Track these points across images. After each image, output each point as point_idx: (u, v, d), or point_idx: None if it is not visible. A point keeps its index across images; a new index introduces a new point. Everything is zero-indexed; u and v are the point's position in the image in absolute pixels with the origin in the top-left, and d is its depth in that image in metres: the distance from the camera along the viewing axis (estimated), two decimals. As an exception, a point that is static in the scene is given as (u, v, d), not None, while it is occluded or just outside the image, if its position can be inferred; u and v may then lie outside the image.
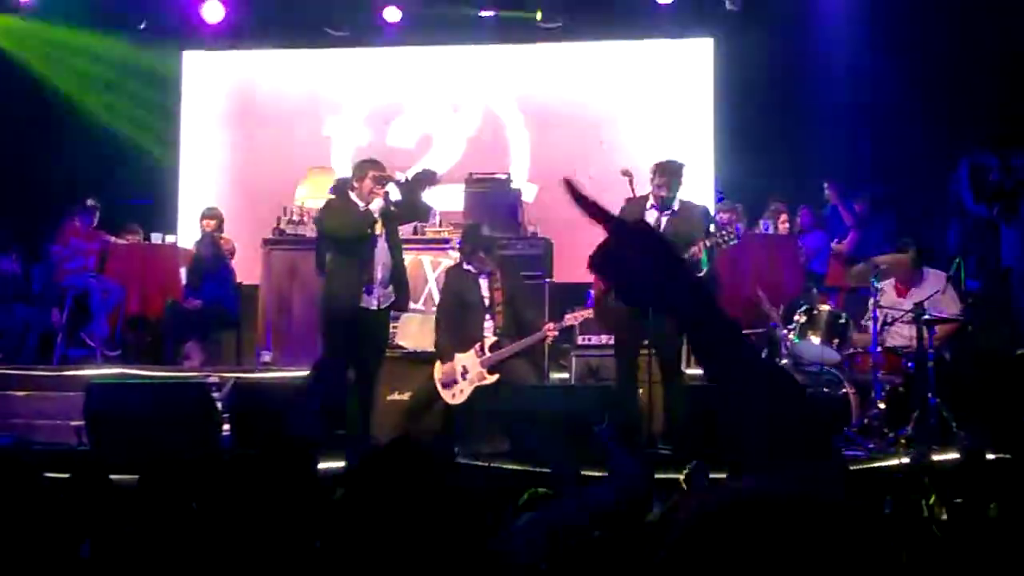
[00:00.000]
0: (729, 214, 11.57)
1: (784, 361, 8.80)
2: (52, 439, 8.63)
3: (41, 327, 11.39)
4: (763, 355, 9.44)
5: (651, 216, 8.30)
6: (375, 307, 8.38)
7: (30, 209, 12.36)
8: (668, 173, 8.36)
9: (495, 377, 8.49)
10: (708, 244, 8.22)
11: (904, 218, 11.57)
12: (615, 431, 6.05)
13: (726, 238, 8.35)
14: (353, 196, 8.48)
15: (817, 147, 12.21)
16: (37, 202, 12.36)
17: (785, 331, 8.94)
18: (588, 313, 8.79)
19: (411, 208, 8.78)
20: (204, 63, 14.24)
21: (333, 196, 9.24)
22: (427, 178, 11.28)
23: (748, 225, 11.75)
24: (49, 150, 13.06)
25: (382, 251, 8.41)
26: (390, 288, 8.46)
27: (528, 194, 12.17)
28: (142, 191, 13.34)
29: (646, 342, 8.32)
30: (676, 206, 8.38)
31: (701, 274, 8.70)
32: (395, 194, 8.55)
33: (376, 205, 8.33)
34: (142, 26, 13.18)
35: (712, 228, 8.72)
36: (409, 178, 8.58)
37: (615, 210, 8.23)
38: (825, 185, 11.75)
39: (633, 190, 8.51)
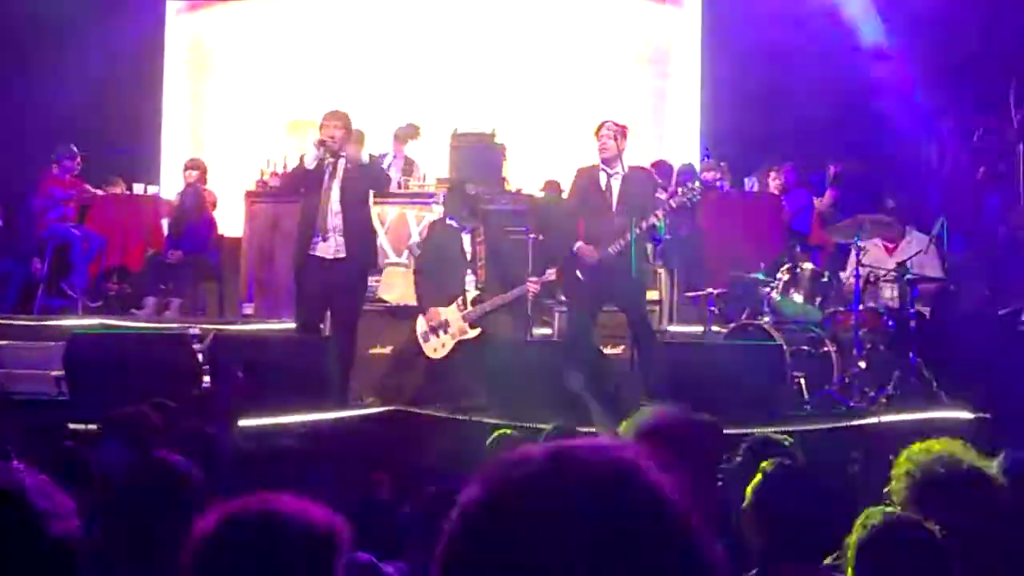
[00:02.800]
0: (713, 172, 11.57)
1: (766, 319, 8.81)
2: (32, 389, 8.58)
3: (22, 277, 11.33)
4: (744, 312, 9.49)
5: (602, 179, 8.30)
6: (330, 256, 8.33)
7: (10, 159, 12.25)
8: (613, 133, 8.32)
9: (477, 331, 8.49)
10: (673, 204, 8.24)
11: (885, 179, 11.58)
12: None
13: (691, 195, 8.34)
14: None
15: (804, 106, 12.16)
16: (17, 152, 12.23)
17: (768, 289, 8.95)
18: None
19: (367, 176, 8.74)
20: (189, 14, 14.13)
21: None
22: (409, 132, 11.28)
23: (733, 183, 11.76)
24: (30, 100, 12.94)
25: (334, 201, 8.37)
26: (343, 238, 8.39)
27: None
28: (123, 142, 13.23)
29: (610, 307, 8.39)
30: (625, 169, 8.34)
31: (660, 239, 8.75)
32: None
33: (309, 156, 8.34)
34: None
35: (677, 188, 8.71)
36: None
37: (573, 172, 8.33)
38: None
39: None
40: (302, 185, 8.56)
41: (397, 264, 10.07)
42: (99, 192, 11.75)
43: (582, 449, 1.43)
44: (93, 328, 9.82)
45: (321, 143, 8.31)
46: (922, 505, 3.19)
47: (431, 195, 10.49)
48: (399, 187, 10.74)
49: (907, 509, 3.19)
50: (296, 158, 9.03)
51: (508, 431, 4.86)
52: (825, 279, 8.95)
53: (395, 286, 9.72)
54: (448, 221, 8.89)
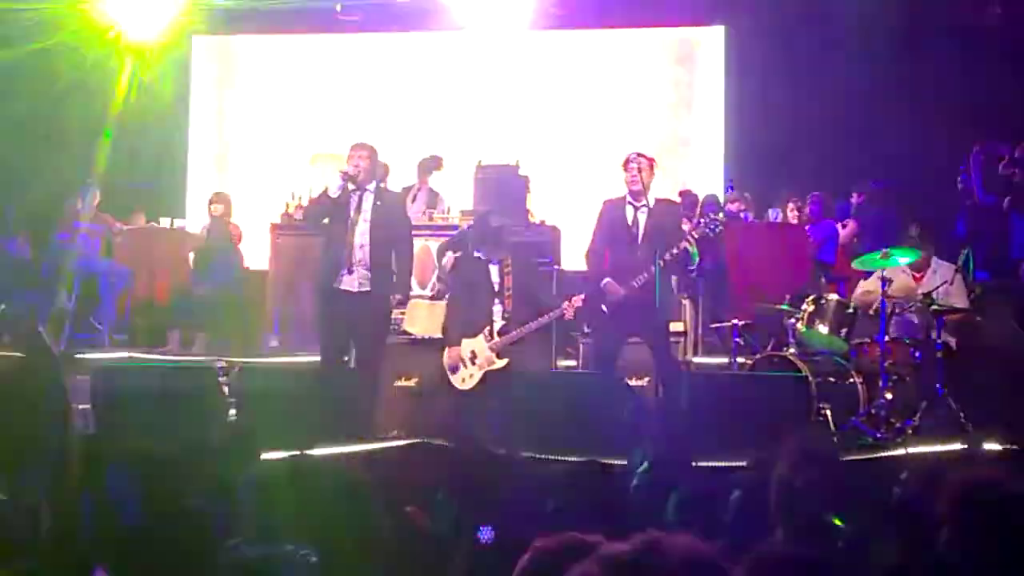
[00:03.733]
0: (738, 203, 11.58)
1: (791, 350, 8.78)
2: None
3: (49, 311, 11.38)
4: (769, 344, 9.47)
5: (628, 213, 8.30)
6: (355, 289, 8.35)
7: (37, 193, 12.34)
8: (639, 166, 8.32)
9: (504, 361, 8.49)
10: (696, 235, 8.22)
11: (911, 209, 11.56)
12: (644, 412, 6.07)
13: (713, 225, 8.34)
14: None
15: (829, 137, 12.18)
16: (44, 186, 12.32)
17: (793, 320, 8.92)
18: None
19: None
20: (213, 48, 14.25)
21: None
22: (433, 164, 11.33)
23: (757, 214, 11.75)
24: (57, 134, 13.07)
25: (361, 234, 8.38)
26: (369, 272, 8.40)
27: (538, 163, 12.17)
28: (149, 176, 13.32)
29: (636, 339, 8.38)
30: (651, 202, 8.34)
31: (693, 267, 8.73)
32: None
33: (333, 186, 8.34)
34: (151, 9, 13.10)
35: (700, 219, 8.69)
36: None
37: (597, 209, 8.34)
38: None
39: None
40: (326, 215, 8.54)
41: (421, 297, 10.09)
42: (124, 226, 11.82)
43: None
44: (120, 362, 9.87)
45: (345, 173, 8.32)
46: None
47: (455, 227, 10.52)
48: (428, 219, 10.80)
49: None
50: (321, 190, 9.05)
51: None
52: (851, 310, 8.92)
53: (419, 319, 9.73)
54: (475, 253, 8.90)
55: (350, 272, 8.30)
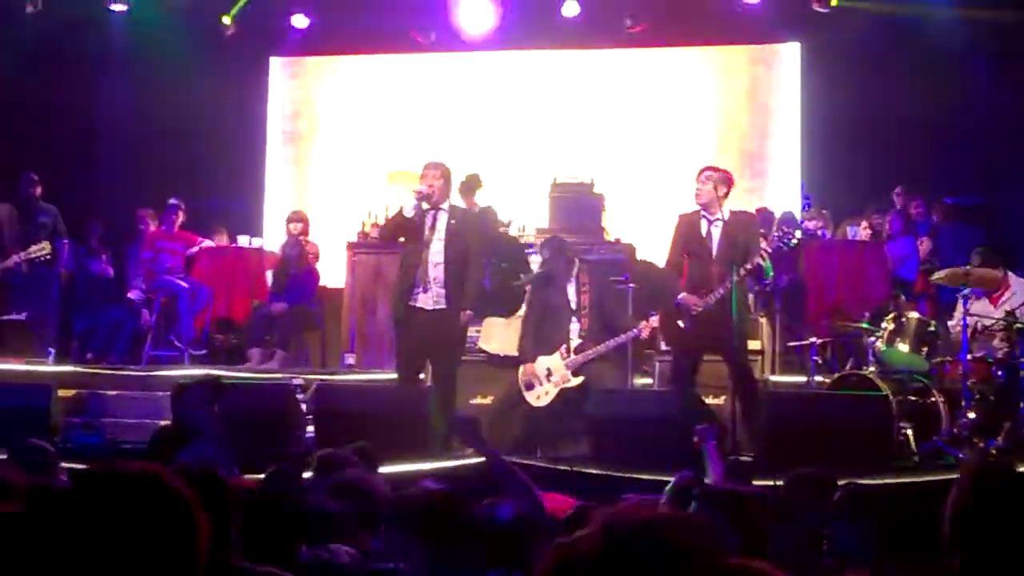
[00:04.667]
0: (815, 221, 11.48)
1: (871, 369, 8.67)
2: (140, 438, 8.72)
3: (130, 328, 11.56)
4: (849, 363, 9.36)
5: (703, 226, 8.24)
6: (430, 307, 8.38)
7: (121, 213, 12.55)
8: (709, 179, 8.27)
9: (580, 379, 8.48)
10: (769, 250, 8.14)
11: (989, 225, 11.41)
12: (715, 434, 6.03)
13: (787, 239, 8.26)
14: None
15: (906, 153, 12.05)
16: (128, 205, 12.52)
17: (873, 338, 8.81)
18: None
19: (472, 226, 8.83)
20: (290, 68, 14.42)
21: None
22: (474, 183, 11.36)
23: (835, 231, 11.64)
24: (139, 154, 13.29)
25: (436, 252, 8.43)
26: (444, 289, 8.45)
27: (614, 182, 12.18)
28: (230, 194, 13.50)
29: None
30: (726, 215, 8.28)
31: (767, 281, 8.64)
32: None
33: (407, 205, 8.39)
34: (229, 32, 13.29)
35: (775, 231, 8.59)
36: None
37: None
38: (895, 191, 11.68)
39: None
40: (401, 234, 8.63)
41: (497, 315, 10.09)
42: (206, 243, 11.97)
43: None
44: (199, 378, 9.96)
45: (420, 193, 8.38)
46: None
47: (530, 245, 10.52)
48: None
49: None
50: (396, 209, 9.12)
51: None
52: (932, 328, 8.78)
53: (495, 336, 9.74)
54: (552, 272, 8.91)
55: (425, 290, 8.35)
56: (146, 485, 2.10)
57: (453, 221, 8.48)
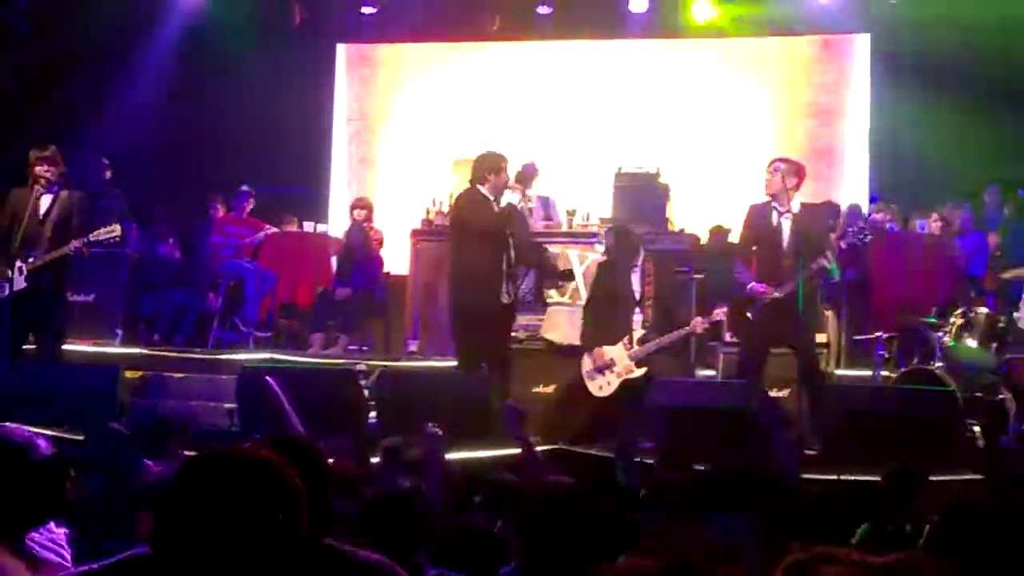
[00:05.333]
0: (882, 213, 11.36)
1: (938, 364, 8.56)
2: (207, 420, 8.81)
3: (197, 311, 11.67)
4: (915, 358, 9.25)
5: (773, 216, 8.17)
6: (507, 301, 8.41)
7: (188, 197, 12.68)
8: (777, 171, 8.19)
9: (643, 370, 8.45)
10: (844, 245, 8.05)
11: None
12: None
13: (860, 235, 8.17)
14: (484, 189, 8.52)
15: (972, 147, 11.86)
16: (195, 190, 12.64)
17: (940, 333, 8.70)
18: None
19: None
20: (358, 55, 14.48)
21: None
22: (531, 172, 11.33)
23: (903, 225, 11.50)
24: (206, 139, 13.40)
25: (513, 246, 8.45)
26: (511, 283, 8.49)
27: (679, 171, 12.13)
28: (296, 180, 13.58)
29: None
30: (796, 207, 8.19)
31: (833, 279, 8.55)
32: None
33: (511, 198, 8.39)
34: (298, 19, 13.38)
35: (848, 228, 8.51)
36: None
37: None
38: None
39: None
40: (499, 229, 8.65)
41: (560, 304, 10.09)
42: (274, 229, 12.06)
43: None
44: (263, 362, 10.05)
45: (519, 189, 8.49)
46: None
47: (594, 235, 10.49)
48: (567, 226, 10.86)
49: None
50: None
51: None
52: (1002, 324, 8.66)
53: (558, 326, 9.72)
54: (615, 261, 8.88)
55: (506, 285, 8.42)
56: (258, 469, 2.19)
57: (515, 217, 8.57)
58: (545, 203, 11.36)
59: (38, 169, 8.41)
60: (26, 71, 12.92)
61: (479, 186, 8.55)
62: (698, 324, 8.45)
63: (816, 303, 8.40)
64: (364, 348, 11.09)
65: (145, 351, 10.60)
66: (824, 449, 7.72)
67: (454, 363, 9.10)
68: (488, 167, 8.57)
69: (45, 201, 8.45)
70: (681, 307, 8.89)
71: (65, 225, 8.41)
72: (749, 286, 8.12)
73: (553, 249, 10.30)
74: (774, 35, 13.50)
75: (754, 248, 8.40)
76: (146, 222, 11.99)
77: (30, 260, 8.29)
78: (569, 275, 9.22)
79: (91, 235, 8.29)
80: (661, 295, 8.66)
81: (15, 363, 8.36)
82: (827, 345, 9.55)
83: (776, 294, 7.96)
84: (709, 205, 12.34)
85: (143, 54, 13.40)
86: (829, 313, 9.77)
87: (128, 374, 9.17)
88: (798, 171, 8.23)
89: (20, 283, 8.27)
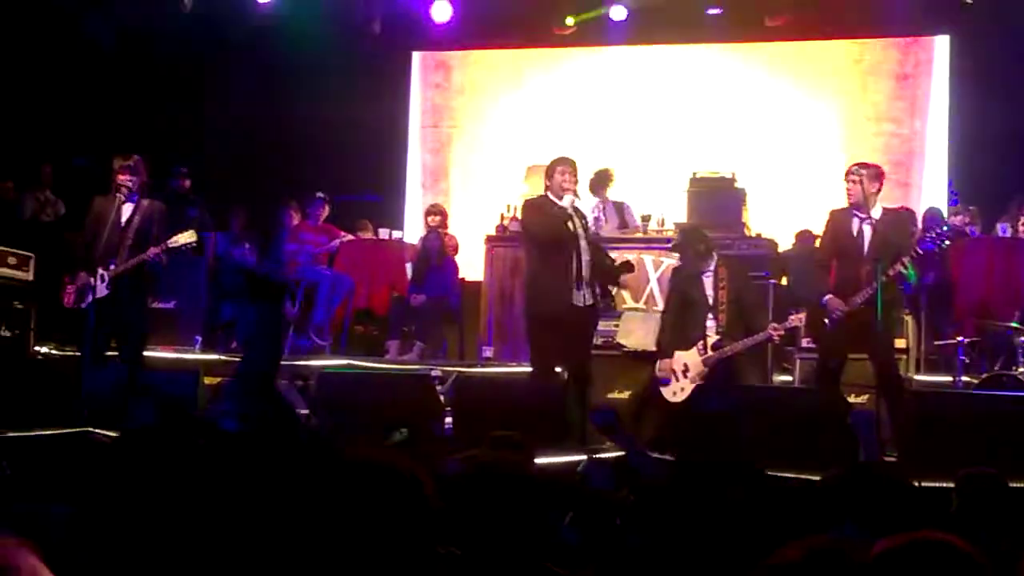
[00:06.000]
0: (962, 216, 11.18)
1: (1022, 369, 8.42)
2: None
3: (273, 318, 11.76)
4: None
5: (854, 224, 8.06)
6: (582, 304, 8.38)
7: (264, 204, 12.80)
8: (858, 178, 8.07)
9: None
10: (920, 252, 7.92)
11: None
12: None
13: (939, 240, 8.03)
14: (549, 194, 8.53)
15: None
16: (271, 197, 12.75)
17: (1023, 338, 8.56)
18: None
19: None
20: (432, 63, 14.55)
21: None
22: (606, 178, 11.29)
23: (984, 228, 11.32)
24: (283, 147, 13.54)
25: (584, 248, 8.42)
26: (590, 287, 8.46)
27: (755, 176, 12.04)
28: (371, 188, 13.67)
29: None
30: (877, 213, 8.08)
31: (911, 285, 8.41)
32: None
33: (567, 201, 8.35)
34: (376, 28, 13.49)
35: (927, 233, 8.35)
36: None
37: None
38: None
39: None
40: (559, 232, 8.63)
41: (635, 309, 10.06)
42: (349, 236, 12.15)
43: None
44: (340, 368, 10.14)
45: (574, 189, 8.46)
46: None
47: (669, 240, 10.46)
48: (642, 232, 10.83)
49: None
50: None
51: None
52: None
53: (633, 331, 9.71)
54: (690, 266, 8.84)
55: (579, 288, 8.36)
56: (387, 472, 2.26)
57: (584, 219, 8.54)
58: (620, 208, 11.34)
59: (120, 178, 8.55)
60: (107, 83, 13.14)
61: (546, 192, 8.58)
62: (774, 330, 8.38)
63: (895, 309, 8.27)
64: (439, 354, 11.13)
65: (223, 357, 10.72)
66: (903, 456, 7.62)
67: (529, 368, 9.09)
68: (546, 172, 8.63)
69: (127, 209, 8.58)
70: (758, 313, 8.80)
71: (146, 233, 8.53)
72: (825, 299, 8.03)
73: (628, 255, 10.28)
74: (850, 37, 13.35)
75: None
76: (224, 229, 12.12)
77: (111, 267, 8.43)
78: (628, 267, 9.13)
79: (168, 242, 8.42)
80: (736, 300, 8.59)
81: (99, 369, 8.49)
82: (906, 350, 9.42)
83: (851, 307, 7.87)
84: (787, 210, 12.24)
85: (220, 64, 13.56)
86: (909, 318, 9.64)
87: (207, 380, 9.29)
88: (878, 175, 8.11)
89: (102, 290, 8.41)
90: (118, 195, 8.55)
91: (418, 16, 13.69)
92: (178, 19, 12.87)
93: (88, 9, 12.90)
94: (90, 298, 8.41)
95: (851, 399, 8.57)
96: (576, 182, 8.48)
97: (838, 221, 8.20)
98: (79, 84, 13.13)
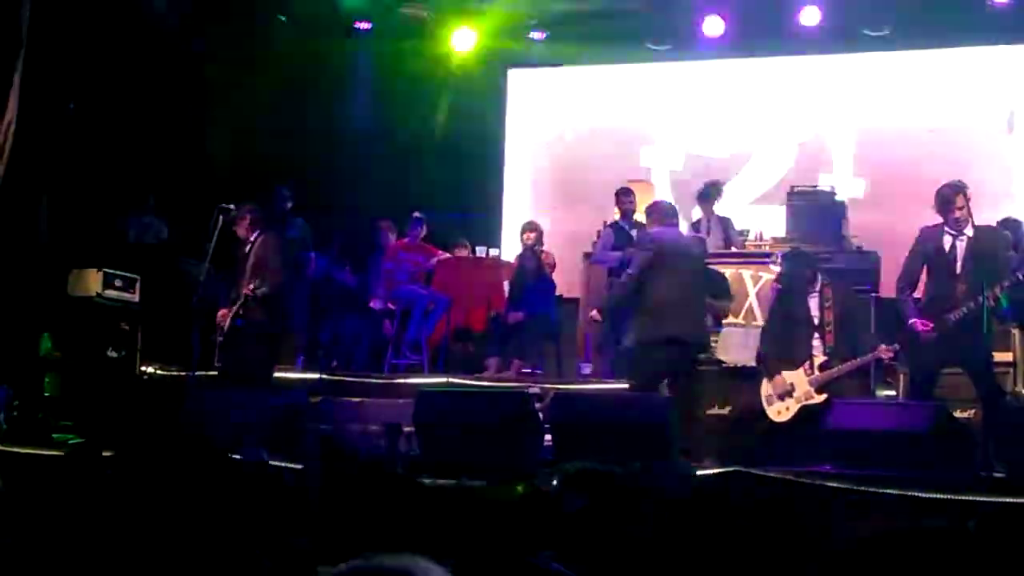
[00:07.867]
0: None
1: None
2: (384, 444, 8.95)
3: (370, 338, 11.88)
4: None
5: (946, 241, 7.93)
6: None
7: (365, 225, 12.90)
8: (940, 196, 7.95)
9: (823, 396, 8.33)
10: (1019, 277, 7.76)
11: None
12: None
13: None
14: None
15: None
16: (371, 216, 12.84)
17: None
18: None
19: None
20: (528, 80, 14.59)
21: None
22: (715, 192, 11.22)
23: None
24: (381, 166, 13.66)
25: None
26: None
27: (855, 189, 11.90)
28: (468, 206, 13.74)
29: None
30: (970, 231, 7.92)
31: (1005, 310, 8.26)
32: None
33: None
34: (471, 45, 13.59)
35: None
36: None
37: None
38: None
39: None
40: None
41: (734, 325, 10.00)
42: (444, 254, 12.22)
43: None
44: (439, 386, 10.20)
45: None
46: None
47: (767, 255, 10.38)
48: (741, 247, 10.79)
49: None
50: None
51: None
52: None
53: (732, 347, 9.65)
54: (792, 283, 8.78)
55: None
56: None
57: None
58: (725, 224, 11.27)
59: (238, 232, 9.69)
60: (209, 105, 13.34)
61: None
62: (883, 351, 8.29)
63: (985, 322, 8.07)
64: (538, 371, 11.13)
65: (324, 376, 10.85)
66: (1010, 472, 7.47)
67: (627, 385, 9.08)
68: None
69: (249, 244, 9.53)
70: (863, 332, 8.70)
71: (264, 265, 9.30)
72: (911, 322, 7.93)
73: (726, 271, 10.22)
74: (952, 47, 13.12)
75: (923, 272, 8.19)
76: (324, 249, 12.27)
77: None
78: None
79: (251, 289, 8.98)
80: (843, 321, 8.51)
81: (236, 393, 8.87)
82: (1012, 364, 9.23)
83: (946, 325, 7.76)
84: (890, 224, 12.05)
85: (316, 85, 13.72)
86: (1015, 331, 9.44)
87: (312, 399, 9.43)
88: (962, 193, 8.00)
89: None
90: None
91: (513, 35, 13.75)
92: (273, 40, 13.09)
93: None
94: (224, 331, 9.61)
95: (957, 414, 8.43)
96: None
97: (929, 238, 8.09)
98: (186, 113, 13.27)
